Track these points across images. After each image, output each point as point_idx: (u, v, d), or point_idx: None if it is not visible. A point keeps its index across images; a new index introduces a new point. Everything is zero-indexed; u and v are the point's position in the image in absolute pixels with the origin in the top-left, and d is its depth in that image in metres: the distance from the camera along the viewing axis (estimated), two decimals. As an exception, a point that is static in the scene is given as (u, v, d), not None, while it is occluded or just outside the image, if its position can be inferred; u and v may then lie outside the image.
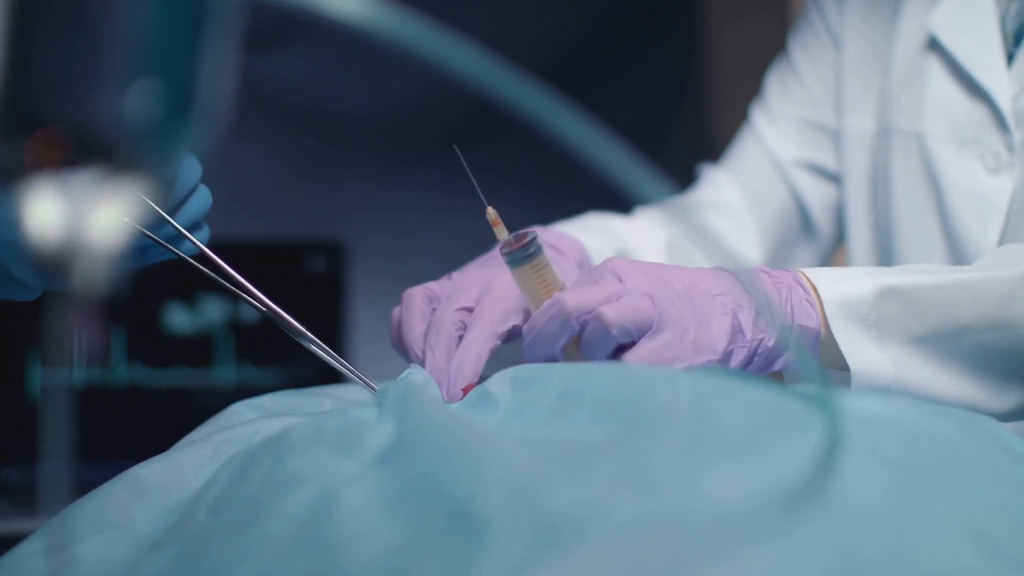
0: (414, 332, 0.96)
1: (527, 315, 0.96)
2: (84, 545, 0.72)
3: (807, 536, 0.54)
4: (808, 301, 0.89)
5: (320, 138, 2.33)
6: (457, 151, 0.87)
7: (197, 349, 1.98)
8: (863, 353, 0.88)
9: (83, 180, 0.43)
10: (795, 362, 0.88)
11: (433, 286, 1.00)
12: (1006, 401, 0.91)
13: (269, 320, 0.90)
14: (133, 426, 1.91)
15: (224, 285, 0.88)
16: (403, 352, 0.98)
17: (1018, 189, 1.08)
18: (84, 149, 0.43)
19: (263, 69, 2.22)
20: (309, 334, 0.89)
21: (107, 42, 0.43)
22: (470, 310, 0.96)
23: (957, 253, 1.12)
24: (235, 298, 0.89)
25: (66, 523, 0.74)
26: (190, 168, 0.83)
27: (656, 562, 0.53)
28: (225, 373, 1.98)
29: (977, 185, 1.10)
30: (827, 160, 1.29)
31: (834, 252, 1.36)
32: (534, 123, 0.47)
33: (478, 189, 0.87)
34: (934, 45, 1.15)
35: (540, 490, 0.59)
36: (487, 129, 2.16)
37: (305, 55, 2.26)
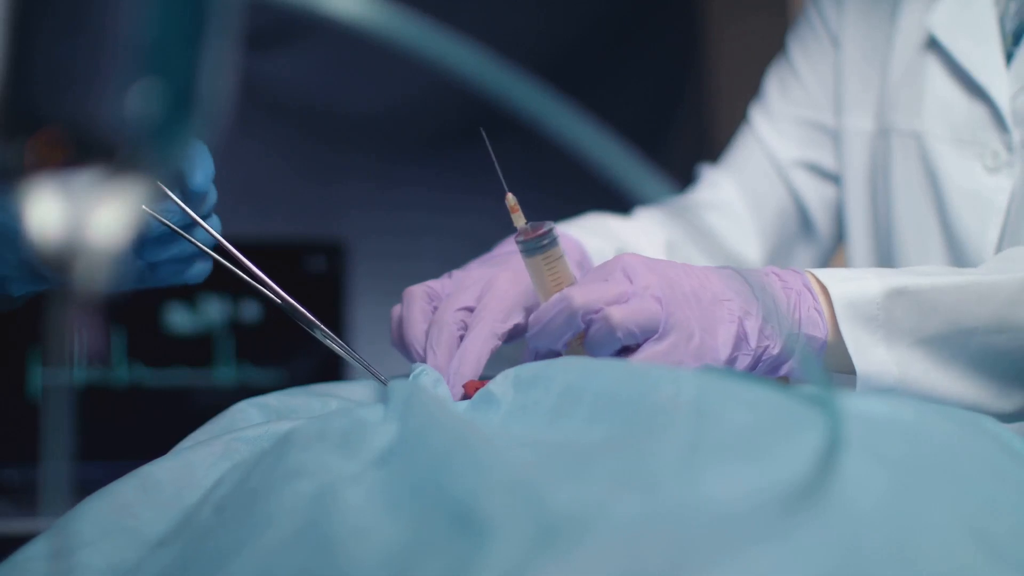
0: (415, 331, 0.96)
1: (529, 314, 0.96)
2: (93, 550, 0.71)
3: (808, 536, 0.54)
4: (816, 309, 0.89)
5: (320, 138, 2.33)
6: (484, 134, 0.87)
7: (197, 349, 1.98)
8: (870, 354, 0.88)
9: (84, 180, 0.43)
10: (800, 369, 0.89)
11: (434, 284, 1.00)
12: (1010, 402, 0.91)
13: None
14: (133, 426, 1.91)
15: (242, 277, 0.88)
16: (403, 351, 0.98)
17: (1017, 188, 1.08)
18: (85, 149, 0.43)
19: (263, 69, 2.22)
20: (322, 326, 0.90)
21: (108, 42, 0.43)
22: (471, 309, 0.96)
23: (956, 252, 1.12)
24: (252, 291, 0.90)
25: (73, 525, 0.74)
26: (206, 165, 0.84)
27: (657, 562, 0.53)
28: (225, 373, 1.98)
29: (976, 184, 1.10)
30: (826, 160, 1.29)
31: (834, 252, 1.36)
32: (534, 123, 0.47)
33: (500, 175, 0.88)
34: (933, 44, 1.15)
35: (541, 490, 0.59)
36: (487, 129, 2.16)
37: (305, 55, 2.26)
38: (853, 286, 0.89)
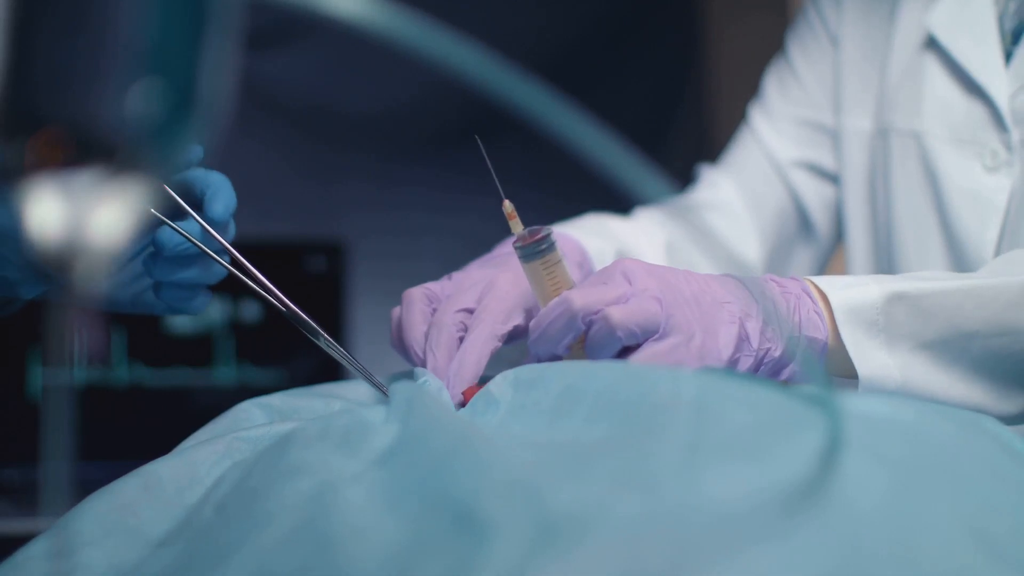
0: (415, 333, 0.96)
1: (529, 315, 0.96)
2: (94, 549, 0.71)
3: (808, 536, 0.54)
4: (816, 312, 0.89)
5: (320, 138, 2.33)
6: (479, 141, 0.87)
7: (197, 349, 1.98)
8: (871, 358, 0.89)
9: (84, 180, 0.43)
10: (802, 372, 0.89)
11: (433, 286, 1.00)
12: (1011, 404, 0.91)
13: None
14: (133, 426, 1.90)
15: (246, 283, 0.89)
16: (403, 353, 0.98)
17: (1016, 187, 1.09)
18: (85, 149, 0.43)
19: (264, 69, 2.22)
20: (327, 336, 0.90)
21: (108, 42, 0.43)
22: (471, 311, 0.95)
23: (956, 252, 1.12)
24: (254, 295, 0.90)
25: (74, 525, 0.74)
26: (227, 196, 0.87)
27: (657, 562, 0.53)
28: (225, 373, 1.98)
29: (975, 184, 1.11)
30: (825, 160, 1.29)
31: (833, 252, 1.36)
32: (534, 123, 0.47)
33: (497, 182, 0.88)
34: (932, 44, 1.16)
35: (541, 490, 0.59)
36: (487, 129, 2.16)
37: (305, 55, 2.26)
38: (853, 292, 0.89)
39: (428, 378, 0.88)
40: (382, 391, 0.86)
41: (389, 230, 2.30)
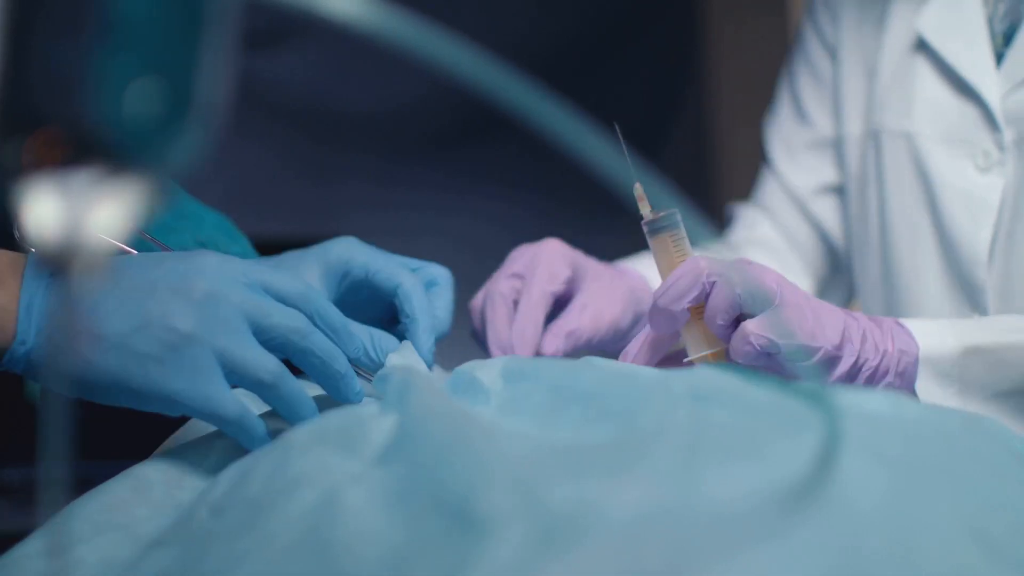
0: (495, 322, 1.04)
1: (572, 277, 1.06)
2: (86, 546, 0.72)
3: (807, 536, 0.54)
4: (908, 335, 0.92)
5: (320, 138, 2.33)
6: (616, 129, 0.90)
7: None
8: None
9: (82, 179, 0.43)
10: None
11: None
12: None
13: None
14: (132, 426, 1.90)
15: None
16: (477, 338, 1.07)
17: (1009, 187, 1.09)
18: (83, 149, 0.43)
19: (263, 69, 2.23)
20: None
21: (106, 42, 0.43)
22: (522, 276, 1.04)
23: (949, 251, 1.13)
24: None
25: (67, 523, 0.74)
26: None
27: (656, 561, 0.53)
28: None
29: (968, 183, 1.11)
30: (837, 176, 1.29)
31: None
32: (533, 124, 0.47)
33: (629, 164, 0.90)
34: (922, 46, 1.16)
35: (541, 488, 0.59)
36: (487, 130, 2.16)
37: (305, 55, 2.26)
38: (929, 341, 0.92)
39: (393, 355, 0.88)
40: (366, 377, 0.86)
41: (389, 230, 2.30)
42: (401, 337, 0.92)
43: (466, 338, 1.07)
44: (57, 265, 0.44)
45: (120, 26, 0.43)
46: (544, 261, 1.06)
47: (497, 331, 1.02)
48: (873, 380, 0.90)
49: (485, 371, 0.83)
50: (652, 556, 0.54)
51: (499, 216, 1.04)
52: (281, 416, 0.80)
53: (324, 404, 0.83)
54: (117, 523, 0.74)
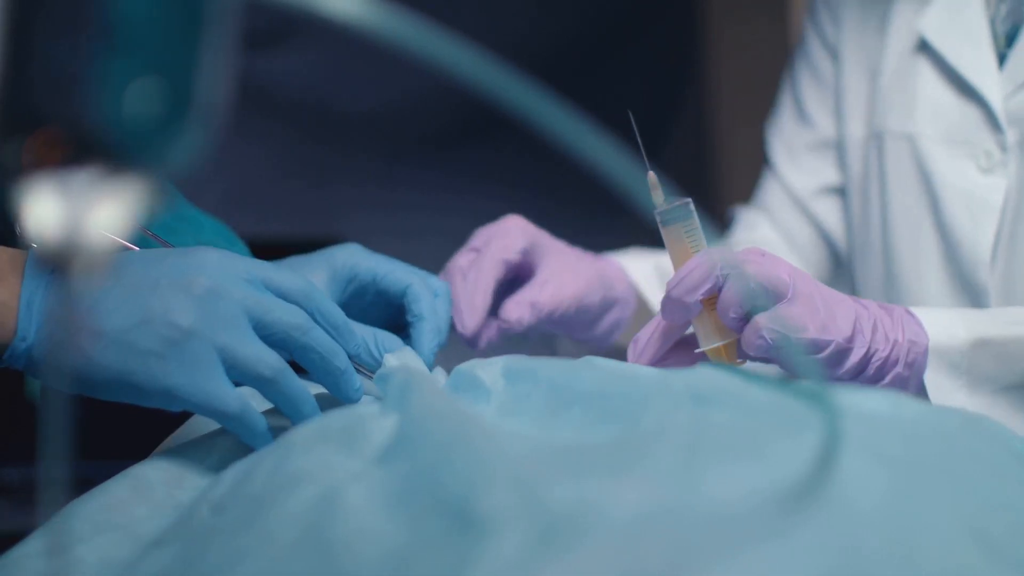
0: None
1: (530, 250, 1.07)
2: (86, 546, 0.72)
3: (807, 535, 0.54)
4: (918, 325, 0.92)
5: (320, 138, 2.33)
6: (631, 117, 0.91)
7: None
8: (950, 400, 0.92)
9: (82, 179, 0.43)
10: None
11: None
12: None
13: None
14: (132, 426, 1.90)
15: None
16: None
17: (1012, 188, 1.09)
18: (83, 148, 0.43)
19: (263, 69, 2.22)
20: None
21: (106, 42, 0.43)
22: (478, 249, 1.07)
23: (951, 252, 1.13)
24: None
25: (67, 523, 0.74)
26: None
27: (656, 561, 0.53)
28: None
29: (970, 184, 1.11)
30: (839, 177, 1.29)
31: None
32: (533, 124, 0.47)
33: (643, 153, 0.91)
34: (924, 47, 1.16)
35: (541, 488, 0.59)
36: (487, 130, 2.16)
37: (305, 55, 2.26)
38: (939, 331, 0.92)
39: (388, 357, 0.89)
40: (367, 374, 0.86)
41: (388, 230, 2.30)
42: (405, 339, 0.92)
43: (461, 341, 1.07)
44: (58, 263, 0.44)
45: (120, 26, 0.43)
46: (499, 233, 1.07)
47: (458, 300, 1.04)
48: (882, 370, 0.90)
49: (486, 370, 0.83)
50: (652, 556, 0.54)
51: (499, 216, 1.04)
52: (282, 412, 0.81)
53: (325, 403, 0.83)
54: (117, 523, 0.74)
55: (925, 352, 0.92)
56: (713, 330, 0.90)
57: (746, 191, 1.39)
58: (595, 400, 0.75)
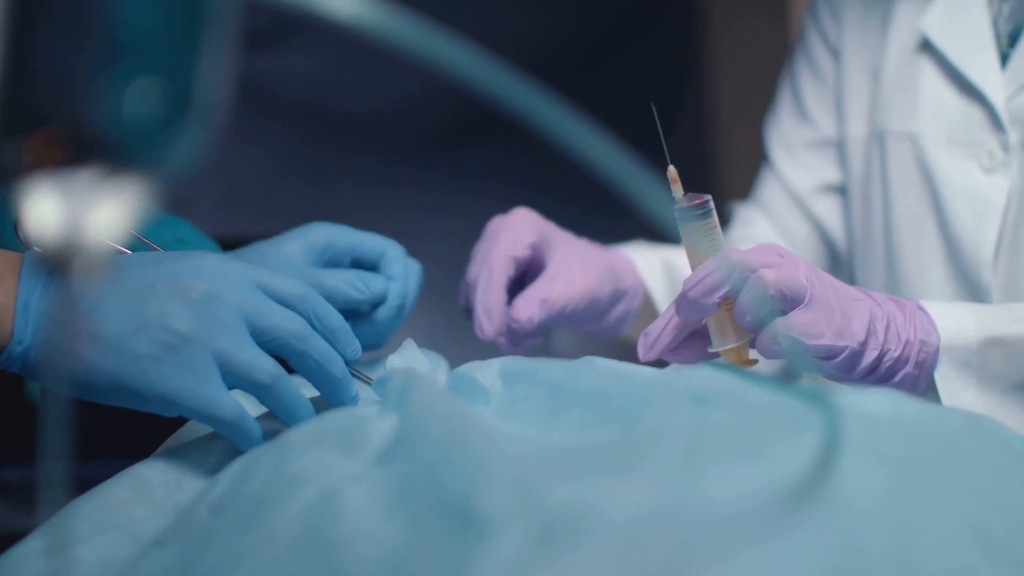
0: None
1: (539, 244, 1.07)
2: (85, 546, 0.72)
3: (807, 535, 0.54)
4: (930, 323, 0.92)
5: (320, 138, 2.33)
6: (653, 109, 0.91)
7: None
8: (960, 398, 0.92)
9: (82, 179, 0.43)
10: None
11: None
12: None
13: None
14: (132, 426, 1.90)
15: None
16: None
17: (1015, 188, 1.09)
18: (83, 148, 0.43)
19: (263, 69, 2.22)
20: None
21: (106, 42, 0.43)
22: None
23: (954, 253, 1.13)
24: None
25: (67, 523, 0.74)
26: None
27: (656, 561, 0.53)
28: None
29: (973, 184, 1.11)
30: (839, 176, 1.29)
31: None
32: (533, 124, 0.47)
33: (664, 146, 0.91)
34: (926, 47, 1.16)
35: (541, 488, 0.59)
36: (487, 130, 2.16)
37: (304, 54, 2.25)
38: (950, 329, 0.92)
39: (391, 358, 0.89)
40: (365, 380, 0.86)
41: (389, 230, 2.29)
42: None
43: (465, 338, 1.07)
44: (56, 264, 0.44)
45: (120, 26, 0.43)
46: (507, 227, 1.08)
47: (477, 297, 1.06)
48: (893, 369, 0.90)
49: (484, 372, 0.83)
50: (652, 556, 0.54)
51: (496, 214, 1.05)
52: (277, 418, 0.80)
53: (320, 405, 0.83)
54: (116, 523, 0.74)
55: (936, 352, 0.92)
56: (728, 330, 0.90)
57: (746, 190, 1.39)
58: (595, 401, 0.75)
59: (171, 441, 0.87)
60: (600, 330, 1.16)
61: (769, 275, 0.87)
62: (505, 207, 1.13)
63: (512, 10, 2.33)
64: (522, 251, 1.07)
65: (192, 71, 0.44)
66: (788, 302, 0.87)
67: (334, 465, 0.69)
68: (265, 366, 0.77)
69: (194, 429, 0.87)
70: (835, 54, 1.27)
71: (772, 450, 0.61)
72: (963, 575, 0.56)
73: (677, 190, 0.92)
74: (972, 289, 1.11)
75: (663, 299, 1.20)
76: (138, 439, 0.95)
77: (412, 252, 1.00)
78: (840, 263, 1.30)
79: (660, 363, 0.96)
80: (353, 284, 0.91)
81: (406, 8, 0.46)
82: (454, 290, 1.12)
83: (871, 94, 1.22)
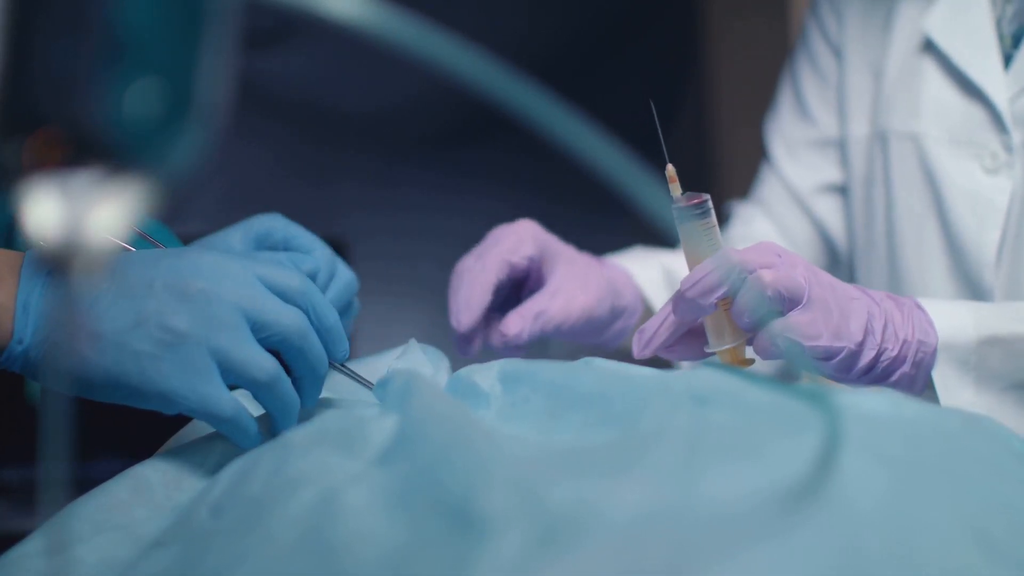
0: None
1: (539, 256, 1.06)
2: (85, 546, 0.72)
3: (807, 536, 0.54)
4: (928, 322, 0.92)
5: (320, 138, 2.33)
6: (652, 107, 0.91)
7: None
8: (958, 396, 0.92)
9: (82, 180, 0.43)
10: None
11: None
12: None
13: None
14: (133, 426, 1.90)
15: None
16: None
17: (1017, 189, 1.09)
18: (83, 149, 0.43)
19: (263, 69, 2.22)
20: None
21: (106, 42, 0.43)
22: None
23: (956, 253, 1.12)
24: None
25: (67, 523, 0.74)
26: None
27: (656, 561, 0.53)
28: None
29: (975, 185, 1.11)
30: (839, 175, 1.29)
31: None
32: (532, 124, 0.47)
33: (663, 144, 0.91)
34: (929, 47, 1.16)
35: (541, 489, 0.59)
36: (487, 130, 2.16)
37: (305, 54, 2.26)
38: (948, 326, 0.92)
39: (394, 361, 0.89)
40: (366, 385, 0.86)
41: (388, 230, 2.30)
42: None
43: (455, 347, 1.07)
44: (56, 264, 0.44)
45: (120, 26, 0.43)
46: (508, 234, 1.08)
47: (456, 303, 1.05)
48: (890, 368, 0.90)
49: (483, 375, 0.83)
50: (652, 556, 0.54)
51: (499, 216, 1.04)
52: (272, 416, 0.81)
53: (320, 406, 0.83)
54: (116, 523, 0.74)
55: (934, 351, 0.92)
56: (725, 330, 0.90)
57: (745, 190, 1.39)
58: (595, 402, 0.75)
59: (172, 442, 0.87)
60: (596, 343, 1.16)
61: (767, 276, 0.87)
62: (505, 207, 1.13)
63: (512, 10, 2.33)
64: (519, 259, 1.07)
65: (192, 71, 0.44)
66: (786, 303, 0.87)
67: (334, 466, 0.69)
68: (264, 364, 0.77)
69: (196, 430, 0.87)
70: (837, 53, 1.27)
71: (772, 450, 0.61)
72: (963, 575, 0.56)
73: (675, 189, 0.92)
74: (974, 290, 1.11)
75: None
76: (138, 439, 0.95)
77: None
78: (839, 262, 1.30)
79: (661, 363, 0.96)
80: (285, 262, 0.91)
81: (406, 8, 0.46)
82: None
83: (873, 93, 1.22)
